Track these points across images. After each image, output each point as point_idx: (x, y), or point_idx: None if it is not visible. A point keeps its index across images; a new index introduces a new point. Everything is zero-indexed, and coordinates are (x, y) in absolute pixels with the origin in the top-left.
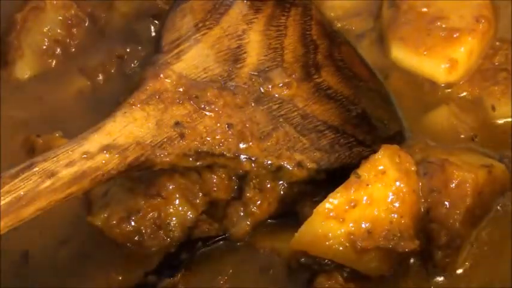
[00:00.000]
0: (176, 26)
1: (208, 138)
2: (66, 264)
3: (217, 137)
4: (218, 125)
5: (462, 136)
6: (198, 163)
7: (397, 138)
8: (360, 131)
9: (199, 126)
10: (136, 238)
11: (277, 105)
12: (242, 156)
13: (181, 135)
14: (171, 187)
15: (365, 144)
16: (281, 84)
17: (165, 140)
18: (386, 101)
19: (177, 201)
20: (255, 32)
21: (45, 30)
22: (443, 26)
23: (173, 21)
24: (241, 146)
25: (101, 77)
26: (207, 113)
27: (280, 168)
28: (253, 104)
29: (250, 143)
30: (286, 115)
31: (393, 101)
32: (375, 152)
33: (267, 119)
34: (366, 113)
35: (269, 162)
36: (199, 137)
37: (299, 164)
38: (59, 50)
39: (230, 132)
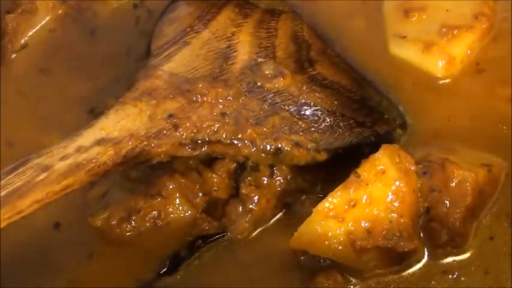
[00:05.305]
0: (164, 32)
1: (203, 126)
2: (66, 265)
3: (212, 125)
4: (212, 114)
5: (462, 134)
6: (195, 152)
7: (398, 121)
8: (359, 114)
9: (193, 117)
10: (136, 238)
11: (271, 95)
12: (239, 142)
13: (175, 126)
14: (171, 187)
15: (365, 125)
16: (274, 75)
17: (159, 130)
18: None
19: (177, 201)
20: (245, 33)
21: (38, 32)
22: (443, 23)
23: (161, 28)
24: (237, 131)
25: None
26: (200, 104)
27: (279, 150)
28: (246, 94)
29: (246, 128)
30: (281, 103)
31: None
32: (376, 132)
33: (262, 107)
34: (364, 99)
35: (267, 144)
36: (194, 126)
37: (297, 144)
38: (54, 51)
39: (225, 120)
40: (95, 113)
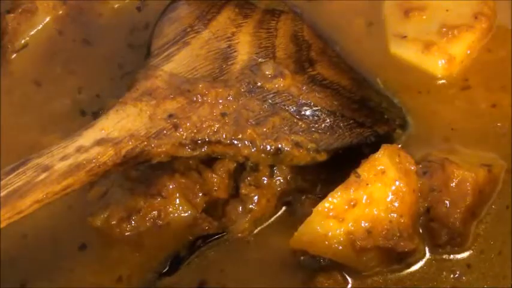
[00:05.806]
0: (164, 32)
1: (203, 126)
2: (66, 264)
3: (212, 125)
4: (212, 114)
5: (462, 134)
6: (195, 153)
7: (398, 122)
8: (359, 114)
9: (193, 117)
10: (136, 238)
11: (272, 95)
12: (239, 142)
13: (175, 126)
14: (171, 187)
15: (365, 125)
16: (274, 75)
17: (159, 130)
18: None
19: (177, 201)
20: (245, 33)
21: (38, 32)
22: (443, 23)
23: (161, 28)
24: (237, 132)
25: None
26: (200, 104)
27: (279, 150)
28: (246, 95)
29: (246, 129)
30: (281, 103)
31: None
32: (376, 132)
33: (262, 107)
34: (364, 99)
35: (267, 145)
36: (194, 126)
37: (298, 145)
38: (54, 52)
39: (225, 120)
40: (88, 114)
